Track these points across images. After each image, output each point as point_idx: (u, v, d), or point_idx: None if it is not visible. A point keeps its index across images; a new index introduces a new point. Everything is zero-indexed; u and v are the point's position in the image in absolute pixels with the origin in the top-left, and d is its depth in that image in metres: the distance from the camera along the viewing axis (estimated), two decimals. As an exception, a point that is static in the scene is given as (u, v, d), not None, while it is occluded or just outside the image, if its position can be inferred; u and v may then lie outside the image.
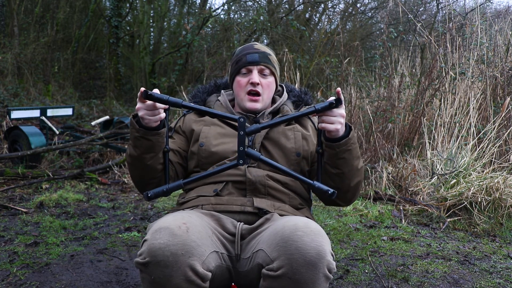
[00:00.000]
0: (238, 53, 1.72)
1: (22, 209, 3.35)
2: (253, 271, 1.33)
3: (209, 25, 8.92)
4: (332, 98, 1.37)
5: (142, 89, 1.34)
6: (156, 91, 1.36)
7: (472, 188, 3.36)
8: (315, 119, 1.75)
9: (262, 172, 1.54)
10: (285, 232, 1.23)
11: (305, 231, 1.22)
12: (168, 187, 1.36)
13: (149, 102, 1.35)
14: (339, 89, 1.38)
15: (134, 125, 1.43)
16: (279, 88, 1.81)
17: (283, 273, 1.19)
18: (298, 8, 8.72)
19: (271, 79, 1.70)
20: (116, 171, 4.60)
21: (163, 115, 1.41)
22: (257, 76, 1.66)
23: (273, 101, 1.77)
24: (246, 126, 1.39)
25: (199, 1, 10.53)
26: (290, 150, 1.59)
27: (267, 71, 1.68)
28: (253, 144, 1.59)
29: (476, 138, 4.02)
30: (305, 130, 1.68)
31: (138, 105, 1.38)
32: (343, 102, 1.38)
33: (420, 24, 5.65)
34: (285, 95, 1.78)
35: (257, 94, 1.66)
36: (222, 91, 1.80)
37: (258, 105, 1.67)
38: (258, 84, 1.65)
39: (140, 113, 1.38)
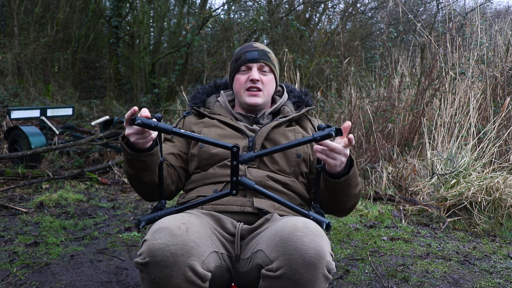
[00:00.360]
0: (237, 52, 1.73)
1: (22, 209, 3.34)
2: (252, 272, 1.33)
3: (209, 25, 8.92)
4: (333, 128, 1.29)
5: (128, 114, 1.29)
6: (144, 111, 1.30)
7: (472, 188, 3.36)
8: (315, 122, 1.76)
9: (263, 173, 1.54)
10: (284, 233, 1.23)
11: (304, 231, 1.22)
12: (160, 214, 1.37)
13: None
14: (348, 123, 1.34)
15: (125, 149, 1.39)
16: (279, 88, 1.81)
17: (283, 273, 1.19)
18: (298, 8, 8.71)
19: (271, 76, 1.69)
20: (116, 171, 4.60)
21: (154, 134, 1.36)
22: (256, 73, 1.66)
23: (273, 101, 1.77)
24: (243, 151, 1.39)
25: (199, 1, 10.52)
26: (291, 152, 1.59)
27: (266, 68, 1.68)
28: (253, 145, 1.58)
29: (476, 138, 4.02)
30: (306, 132, 1.68)
31: (127, 130, 1.32)
32: (352, 140, 1.31)
33: (420, 24, 5.65)
34: (285, 95, 1.78)
35: (258, 89, 1.66)
36: (222, 91, 1.79)
37: (259, 100, 1.66)
38: (258, 80, 1.65)
39: (132, 139, 1.33)
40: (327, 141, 1.33)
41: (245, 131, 1.62)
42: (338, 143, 1.35)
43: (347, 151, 1.36)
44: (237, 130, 1.63)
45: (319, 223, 1.32)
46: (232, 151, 1.29)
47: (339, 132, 1.28)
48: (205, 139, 1.33)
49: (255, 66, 1.66)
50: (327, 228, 1.33)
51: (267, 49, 1.72)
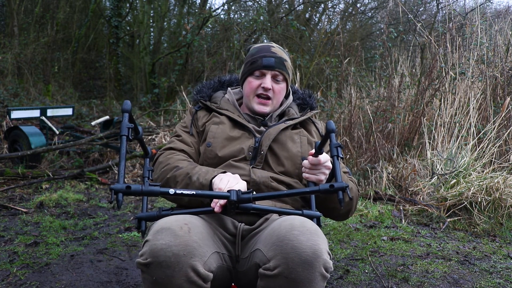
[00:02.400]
0: (254, 53, 1.69)
1: (22, 209, 3.34)
2: (251, 271, 1.33)
3: (209, 25, 8.92)
4: (342, 183, 1.25)
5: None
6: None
7: (472, 188, 3.36)
8: (319, 124, 1.76)
9: (267, 174, 1.55)
10: (281, 231, 1.23)
11: (301, 230, 1.22)
12: (156, 214, 1.35)
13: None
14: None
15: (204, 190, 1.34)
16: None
17: (279, 272, 1.19)
18: (298, 8, 8.71)
19: (283, 85, 1.69)
20: (116, 171, 4.60)
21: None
22: (269, 81, 1.64)
23: None
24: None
25: (199, 1, 10.51)
26: (296, 154, 1.59)
27: (280, 77, 1.67)
28: (260, 146, 1.58)
29: (476, 138, 4.02)
30: (310, 136, 1.68)
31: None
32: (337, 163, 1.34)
33: (420, 24, 5.65)
34: (290, 97, 1.78)
35: (268, 98, 1.65)
36: (229, 88, 1.79)
37: (267, 109, 1.67)
38: (269, 89, 1.64)
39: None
40: (318, 158, 1.41)
41: (253, 131, 1.63)
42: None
43: (328, 162, 1.43)
44: (245, 129, 1.63)
45: (311, 218, 1.36)
46: (229, 200, 1.25)
47: (344, 193, 1.25)
48: (198, 193, 1.25)
49: (269, 74, 1.65)
50: (318, 221, 1.38)
51: (284, 56, 1.69)
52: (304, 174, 1.45)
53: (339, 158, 1.34)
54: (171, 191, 1.21)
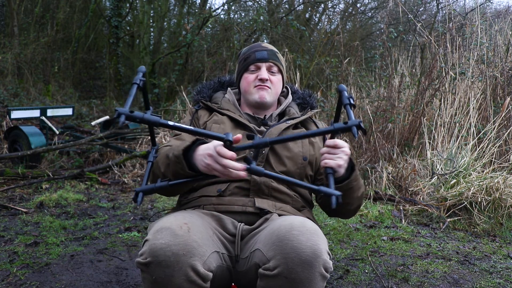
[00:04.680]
0: (245, 51, 1.72)
1: (22, 209, 3.34)
2: (251, 271, 1.33)
3: (209, 25, 8.91)
4: (355, 121, 1.22)
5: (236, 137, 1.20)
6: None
7: (472, 188, 3.36)
8: (319, 124, 1.76)
9: None
10: (281, 231, 1.23)
11: (300, 230, 1.22)
12: (155, 186, 1.29)
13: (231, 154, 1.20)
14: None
15: (183, 166, 1.29)
16: (283, 89, 1.81)
17: (279, 272, 1.19)
18: (298, 8, 8.71)
19: (279, 76, 1.70)
20: (116, 171, 4.60)
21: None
22: (265, 72, 1.66)
23: (278, 102, 1.77)
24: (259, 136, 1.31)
25: (199, 1, 10.52)
26: (297, 154, 1.59)
27: (275, 69, 1.69)
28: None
29: (476, 138, 4.02)
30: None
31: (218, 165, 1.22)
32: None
33: (420, 24, 5.65)
34: (290, 96, 1.78)
35: (267, 87, 1.66)
36: (229, 88, 1.79)
37: (266, 95, 1.66)
38: (267, 80, 1.66)
39: (206, 169, 1.24)
40: (335, 140, 1.33)
41: (254, 131, 1.63)
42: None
43: (347, 148, 1.35)
44: (246, 128, 1.64)
45: (329, 196, 1.22)
46: (225, 143, 1.21)
47: (360, 127, 1.21)
48: (196, 130, 1.25)
49: (264, 66, 1.67)
50: (339, 200, 1.21)
51: (275, 49, 1.73)
52: (322, 162, 1.34)
53: (351, 107, 1.33)
54: (170, 123, 1.22)
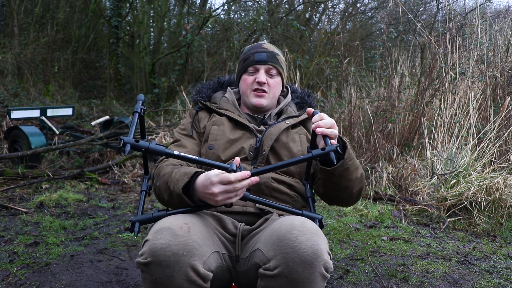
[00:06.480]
0: (246, 51, 1.72)
1: (22, 209, 3.34)
2: (251, 271, 1.33)
3: (209, 25, 8.91)
4: (332, 146, 1.29)
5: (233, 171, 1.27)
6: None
7: (472, 188, 3.36)
8: None
9: (268, 174, 1.54)
10: (281, 231, 1.23)
11: (301, 230, 1.22)
12: (153, 215, 1.38)
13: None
14: (309, 109, 1.43)
15: (186, 202, 1.34)
16: (284, 89, 1.81)
17: (280, 272, 1.19)
18: (298, 8, 8.72)
19: (278, 79, 1.70)
20: (116, 171, 4.60)
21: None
22: (263, 75, 1.66)
23: (278, 101, 1.78)
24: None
25: (199, 1, 10.52)
26: (297, 154, 1.59)
27: (274, 71, 1.68)
28: (261, 146, 1.58)
29: (476, 138, 4.02)
30: (309, 133, 1.68)
31: (216, 189, 1.26)
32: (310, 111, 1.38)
33: (420, 24, 5.65)
34: (289, 96, 1.79)
35: (264, 91, 1.66)
36: (229, 88, 1.80)
37: (263, 101, 1.67)
38: (264, 83, 1.66)
39: (218, 198, 1.27)
40: (324, 121, 1.37)
41: (254, 131, 1.63)
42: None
43: (329, 119, 1.38)
44: (245, 128, 1.64)
45: (312, 219, 1.35)
46: (229, 171, 1.28)
47: (337, 152, 1.30)
48: (202, 160, 1.31)
49: (262, 68, 1.67)
50: (320, 224, 1.36)
51: (276, 50, 1.72)
52: (318, 130, 1.35)
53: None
54: (176, 152, 1.29)
